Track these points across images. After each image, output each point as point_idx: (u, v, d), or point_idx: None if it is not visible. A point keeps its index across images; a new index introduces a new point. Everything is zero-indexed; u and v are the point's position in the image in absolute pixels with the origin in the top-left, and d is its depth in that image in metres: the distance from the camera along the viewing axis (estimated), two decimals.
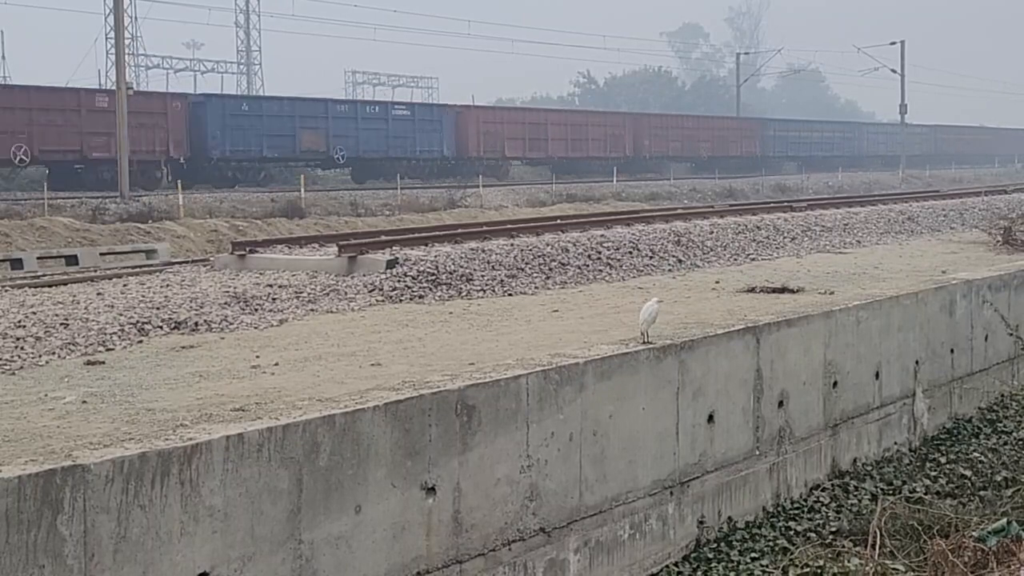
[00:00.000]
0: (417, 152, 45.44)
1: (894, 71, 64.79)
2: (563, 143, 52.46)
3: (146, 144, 35.22)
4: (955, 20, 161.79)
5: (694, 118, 64.20)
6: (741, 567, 7.27)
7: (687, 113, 69.19)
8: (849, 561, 7.07)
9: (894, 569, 6.85)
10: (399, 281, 10.74)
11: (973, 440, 10.41)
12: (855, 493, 8.75)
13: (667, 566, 7.22)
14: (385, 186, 39.70)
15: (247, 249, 12.57)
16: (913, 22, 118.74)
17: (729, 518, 7.82)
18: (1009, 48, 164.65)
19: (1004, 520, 7.15)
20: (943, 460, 9.76)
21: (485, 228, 15.57)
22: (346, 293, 10.29)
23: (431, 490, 5.67)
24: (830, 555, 7.24)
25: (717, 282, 11.67)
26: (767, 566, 7.26)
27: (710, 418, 7.64)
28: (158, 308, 9.21)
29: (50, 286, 11.16)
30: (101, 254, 17.98)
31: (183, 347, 7.89)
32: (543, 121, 52.76)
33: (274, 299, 9.87)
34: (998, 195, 27.85)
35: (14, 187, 35.24)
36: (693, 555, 7.43)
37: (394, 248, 12.27)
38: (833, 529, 7.93)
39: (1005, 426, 10.87)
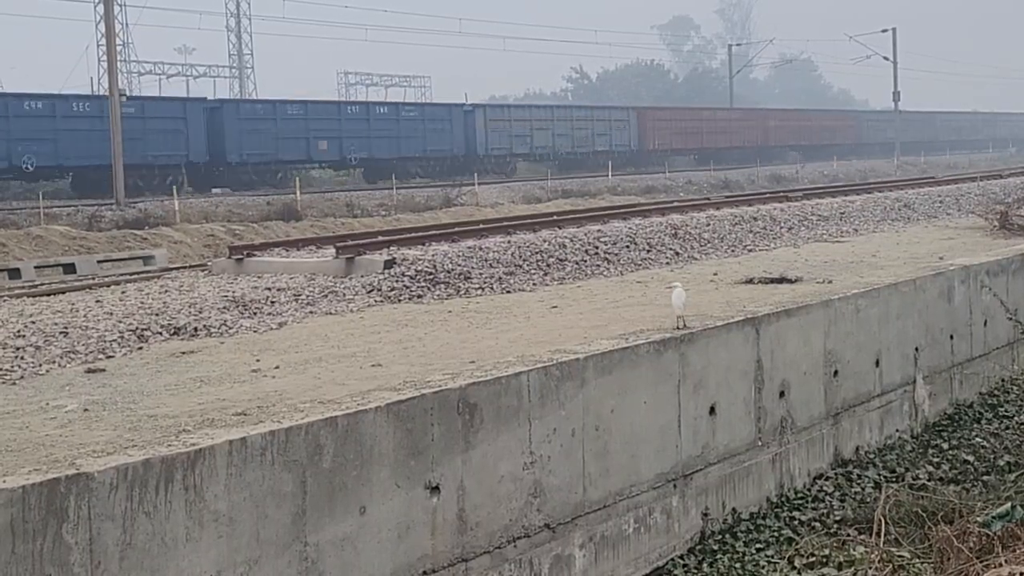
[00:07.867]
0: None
1: (886, 58, 64.83)
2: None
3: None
4: (946, 7, 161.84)
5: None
6: (746, 558, 7.26)
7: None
8: (854, 549, 7.08)
9: (899, 556, 6.85)
10: (397, 281, 10.73)
11: (975, 425, 10.41)
12: (858, 481, 8.75)
13: (672, 559, 7.22)
14: (381, 187, 39.65)
15: (244, 253, 12.55)
16: (904, 10, 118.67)
17: (733, 509, 7.82)
18: (1002, 33, 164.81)
19: (1008, 505, 7.15)
20: (945, 446, 9.76)
21: (482, 226, 15.55)
22: (344, 294, 10.29)
23: (435, 489, 5.67)
24: (835, 544, 7.25)
25: (715, 274, 11.67)
26: (772, 556, 7.26)
27: (712, 410, 7.65)
28: (157, 314, 9.20)
29: (48, 295, 11.16)
30: (98, 261, 18.02)
31: (183, 352, 7.88)
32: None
33: (273, 302, 9.86)
34: (993, 180, 27.85)
35: (8, 196, 35.16)
36: (698, 547, 7.42)
37: (391, 248, 12.26)
38: (837, 518, 7.92)
39: (1006, 410, 10.87)
